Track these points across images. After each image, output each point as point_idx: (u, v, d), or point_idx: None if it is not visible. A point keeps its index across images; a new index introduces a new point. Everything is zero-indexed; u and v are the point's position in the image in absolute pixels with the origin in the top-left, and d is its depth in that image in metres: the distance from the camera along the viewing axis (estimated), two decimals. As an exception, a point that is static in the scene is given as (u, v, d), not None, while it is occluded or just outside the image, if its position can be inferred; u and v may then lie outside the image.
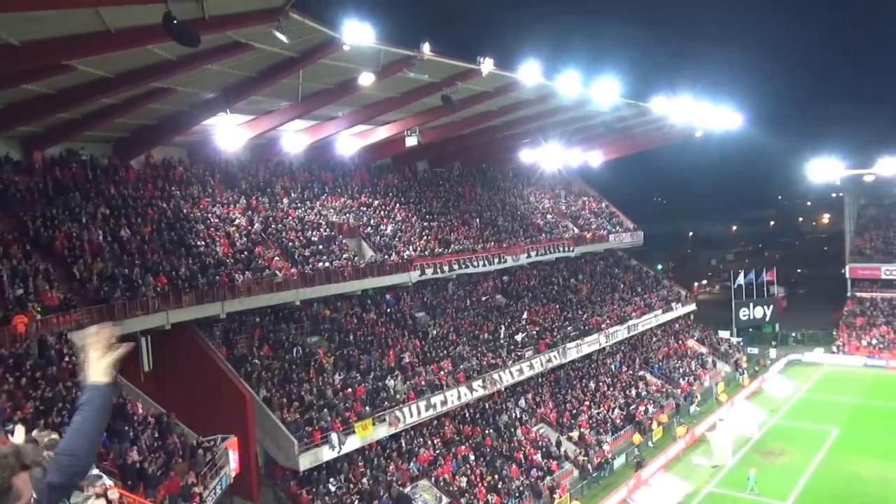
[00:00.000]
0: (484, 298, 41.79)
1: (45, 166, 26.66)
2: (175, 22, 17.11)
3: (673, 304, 53.43)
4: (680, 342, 52.08)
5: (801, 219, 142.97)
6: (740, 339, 57.76)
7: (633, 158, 63.54)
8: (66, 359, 19.91)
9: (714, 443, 35.62)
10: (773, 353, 55.09)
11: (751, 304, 58.92)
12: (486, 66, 29.78)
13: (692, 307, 56.88)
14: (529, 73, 31.98)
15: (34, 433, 11.94)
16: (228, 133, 29.20)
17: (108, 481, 8.47)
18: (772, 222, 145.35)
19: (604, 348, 44.40)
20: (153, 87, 23.78)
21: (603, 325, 44.18)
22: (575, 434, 35.86)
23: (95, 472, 8.32)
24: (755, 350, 56.02)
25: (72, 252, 23.84)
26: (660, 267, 77.16)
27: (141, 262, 25.21)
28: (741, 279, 59.98)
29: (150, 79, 22.81)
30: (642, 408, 40.52)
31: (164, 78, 22.95)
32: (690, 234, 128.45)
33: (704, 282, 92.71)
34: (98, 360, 2.48)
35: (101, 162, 28.69)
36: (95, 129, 26.85)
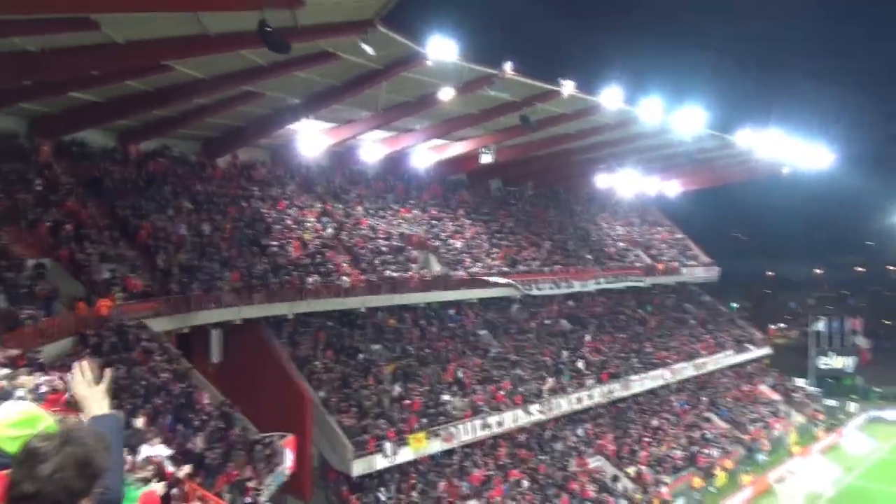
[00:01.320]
0: (548, 322, 41.19)
1: (138, 159, 28.12)
2: (269, 29, 17.79)
3: (746, 346, 51.17)
4: (751, 386, 49.75)
5: (891, 267, 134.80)
6: (818, 389, 54.68)
7: (713, 191, 61.64)
8: (142, 344, 20.75)
9: (782, 495, 33.80)
10: (852, 407, 51.81)
11: (831, 353, 55.80)
12: (567, 88, 29.65)
13: (767, 350, 54.28)
14: (610, 97, 31.63)
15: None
16: (310, 139, 30.09)
17: (163, 455, 8.69)
18: (860, 268, 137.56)
19: (669, 384, 42.90)
20: (243, 90, 24.81)
21: (669, 361, 42.73)
22: (632, 470, 34.68)
23: (142, 456, 8.56)
24: (833, 402, 52.81)
25: (156, 242, 24.99)
26: (735, 305, 74.23)
27: (219, 258, 26.14)
28: (822, 325, 56.97)
29: (241, 82, 23.82)
30: (706, 451, 38.83)
31: (254, 82, 23.92)
32: (770, 273, 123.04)
33: (782, 325, 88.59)
34: (91, 395, 2.46)
35: (189, 158, 30.06)
36: (187, 127, 28.20)
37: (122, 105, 24.54)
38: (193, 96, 24.55)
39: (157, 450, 8.37)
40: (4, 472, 2.23)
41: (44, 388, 9.40)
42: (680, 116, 34.38)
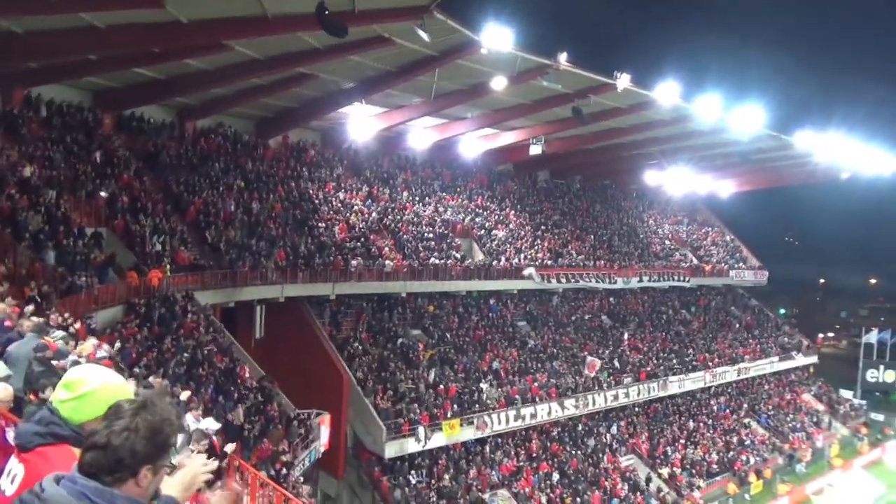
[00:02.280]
0: (588, 317, 40.86)
1: (194, 136, 28.80)
2: (326, 13, 17.96)
3: (792, 353, 49.84)
4: (794, 394, 48.51)
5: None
6: (864, 401, 52.96)
7: (767, 193, 60.03)
8: (189, 316, 21.36)
9: (819, 508, 32.99)
10: (900, 422, 50.10)
11: (881, 367, 53.86)
12: (623, 81, 29.15)
13: (813, 359, 52.77)
14: (666, 92, 30.99)
15: (151, 379, 12.88)
16: (360, 122, 30.32)
17: (213, 429, 8.93)
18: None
19: (709, 388, 42.16)
20: (298, 72, 25.14)
21: (710, 364, 41.95)
22: (665, 471, 34.30)
23: (208, 426, 8.81)
24: (880, 416, 51.07)
25: (206, 218, 25.62)
26: (782, 311, 72.19)
27: (266, 236, 26.68)
28: (874, 337, 54.99)
29: (297, 64, 24.13)
30: (743, 457, 38.12)
31: (309, 64, 24.21)
32: (821, 281, 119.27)
33: (831, 334, 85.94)
34: (189, 488, 2.48)
35: (242, 137, 30.64)
36: (242, 105, 28.78)
37: (182, 82, 25.15)
38: (250, 76, 25.00)
39: (207, 423, 8.62)
40: (65, 445, 2.35)
41: (101, 353, 9.78)
42: (737, 115, 33.47)
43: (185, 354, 19.50)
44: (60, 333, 11.15)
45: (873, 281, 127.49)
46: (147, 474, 1.96)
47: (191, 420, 9.58)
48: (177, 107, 28.42)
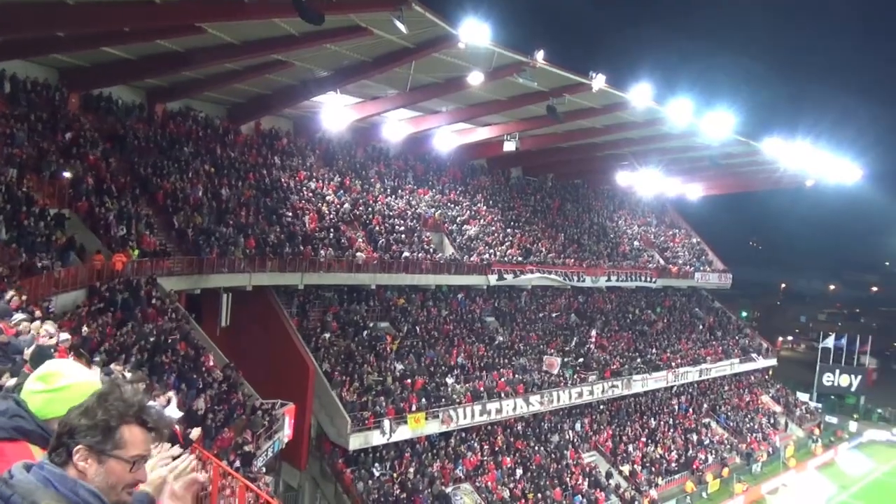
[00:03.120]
0: (555, 315, 41.21)
1: (163, 119, 28.24)
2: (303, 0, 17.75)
3: (752, 355, 50.97)
4: (753, 396, 49.64)
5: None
6: (820, 404, 54.46)
7: (734, 197, 61.20)
8: (153, 302, 20.99)
9: (773, 507, 33.81)
10: (853, 426, 51.59)
11: (837, 371, 55.44)
12: (598, 81, 29.36)
13: (772, 362, 54.07)
14: (640, 94, 31.31)
15: (112, 366, 12.62)
16: (334, 112, 30.04)
17: (176, 417, 8.82)
18: (874, 288, 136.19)
19: (671, 387, 42.90)
20: (273, 58, 24.81)
21: (673, 364, 42.68)
22: (626, 469, 34.84)
23: (169, 414, 8.68)
24: (834, 419, 52.63)
25: (174, 203, 25.17)
26: (744, 314, 73.86)
27: (235, 223, 26.32)
28: (831, 342, 56.57)
29: (272, 50, 23.81)
30: (702, 455, 38.91)
31: (284, 51, 23.91)
32: (783, 285, 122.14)
33: (790, 338, 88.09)
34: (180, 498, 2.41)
35: (213, 122, 30.14)
36: (214, 90, 28.28)
37: (152, 63, 24.62)
38: (223, 60, 24.58)
39: (171, 411, 8.48)
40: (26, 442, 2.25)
41: (61, 337, 9.53)
42: (708, 119, 33.98)
43: (149, 340, 19.16)
44: (20, 316, 10.86)
45: (832, 287, 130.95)
46: (85, 457, 1.87)
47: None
48: (146, 88, 27.85)
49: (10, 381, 5.47)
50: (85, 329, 16.83)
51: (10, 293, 12.67)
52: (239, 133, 31.09)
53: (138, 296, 20.80)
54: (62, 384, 2.30)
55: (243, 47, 23.38)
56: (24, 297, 13.56)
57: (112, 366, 12.79)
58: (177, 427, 10.34)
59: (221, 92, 28.94)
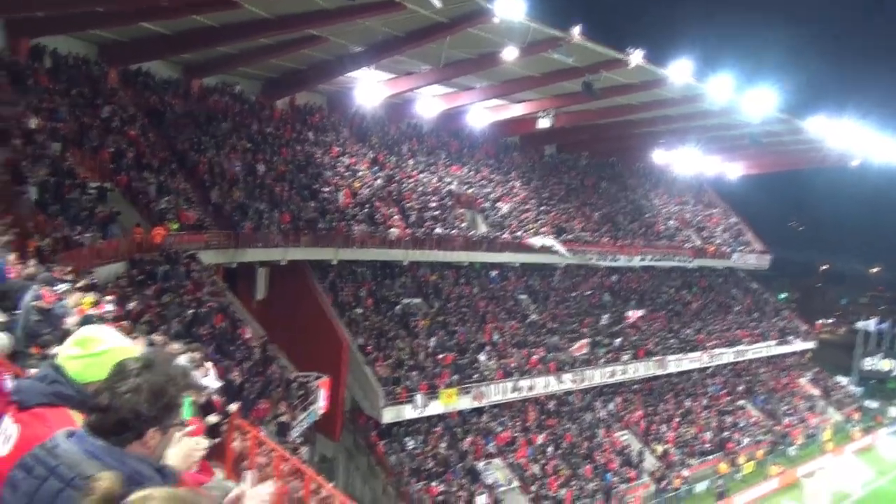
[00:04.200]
0: (588, 293, 40.89)
1: (200, 93, 28.52)
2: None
3: (790, 338, 50.00)
4: (790, 379, 48.78)
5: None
6: (859, 389, 53.28)
7: (775, 177, 59.64)
8: (193, 275, 21.38)
9: (809, 490, 33.30)
10: (894, 411, 50.43)
11: (878, 355, 54.13)
12: (635, 57, 28.79)
13: (811, 344, 52.92)
14: (679, 71, 30.64)
15: (154, 337, 12.90)
16: (368, 88, 30.00)
17: (215, 387, 8.97)
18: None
19: (706, 368, 42.39)
20: (308, 33, 24.81)
21: (708, 345, 42.11)
22: (659, 448, 34.64)
23: (209, 383, 8.83)
24: (874, 404, 51.45)
25: (211, 177, 25.50)
26: (783, 296, 72.34)
27: (270, 198, 26.59)
28: (872, 325, 55.18)
29: (307, 25, 23.80)
30: (736, 437, 38.48)
31: (319, 26, 23.89)
32: (823, 267, 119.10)
33: (830, 320, 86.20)
34: (187, 459, 2.45)
35: (249, 98, 30.35)
36: (250, 65, 28.44)
37: (189, 38, 24.84)
38: (258, 35, 24.68)
39: (209, 381, 8.64)
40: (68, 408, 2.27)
41: (105, 309, 9.77)
42: (750, 97, 33.07)
43: (189, 312, 19.54)
44: (64, 286, 11.15)
45: (875, 269, 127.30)
46: (154, 435, 1.92)
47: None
48: (183, 63, 28.12)
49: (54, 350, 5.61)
50: (132, 304, 17.23)
51: (56, 267, 12.99)
52: (274, 108, 31.26)
53: (177, 268, 21.19)
54: (100, 349, 2.33)
55: (278, 22, 23.41)
56: (68, 269, 13.91)
57: (154, 336, 13.08)
58: (216, 397, 10.54)
59: (256, 67, 29.09)
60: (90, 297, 10.81)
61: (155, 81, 27.21)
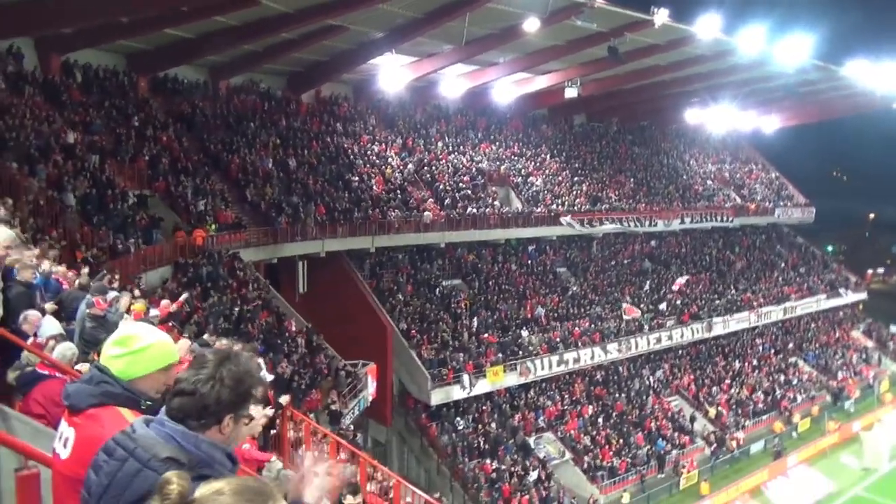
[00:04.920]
0: (628, 262, 40.46)
1: (227, 94, 28.89)
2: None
3: (840, 290, 48.72)
4: (842, 332, 47.66)
5: None
6: (916, 337, 51.73)
7: (814, 127, 57.84)
8: (236, 273, 21.84)
9: (868, 444, 32.70)
10: (953, 357, 48.99)
11: (934, 301, 52.39)
12: (660, 17, 28.10)
13: (862, 296, 51.52)
14: (707, 26, 29.82)
15: (205, 337, 13.24)
16: (392, 73, 29.96)
17: (267, 379, 9.24)
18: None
19: (755, 328, 41.67)
20: (327, 24, 24.81)
21: (756, 304, 41.33)
22: (712, 412, 34.31)
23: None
24: (932, 351, 50.05)
25: (245, 176, 25.90)
26: (830, 248, 70.47)
27: (304, 192, 26.90)
28: (927, 271, 53.35)
29: (326, 16, 23.79)
30: (790, 395, 37.87)
31: (338, 15, 23.86)
32: (871, 216, 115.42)
33: (881, 270, 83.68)
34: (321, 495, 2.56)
35: (275, 94, 30.61)
36: (273, 61, 28.63)
37: (212, 40, 25.07)
38: (279, 30, 24.77)
39: (262, 375, 8.93)
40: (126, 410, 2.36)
41: (152, 312, 10.10)
42: (782, 46, 32.02)
43: (234, 310, 20.00)
44: (114, 294, 11.51)
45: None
46: (229, 422, 2.03)
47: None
48: (208, 65, 28.45)
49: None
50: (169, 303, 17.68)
51: (107, 275, 13.40)
52: (300, 103, 31.47)
53: (219, 269, 21.67)
54: (141, 345, 2.41)
55: (297, 15, 23.45)
56: (116, 276, 14.36)
57: (205, 336, 13.44)
58: (269, 391, 10.81)
59: (280, 62, 29.28)
60: (141, 304, 11.16)
61: (183, 86, 27.62)
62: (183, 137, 25.70)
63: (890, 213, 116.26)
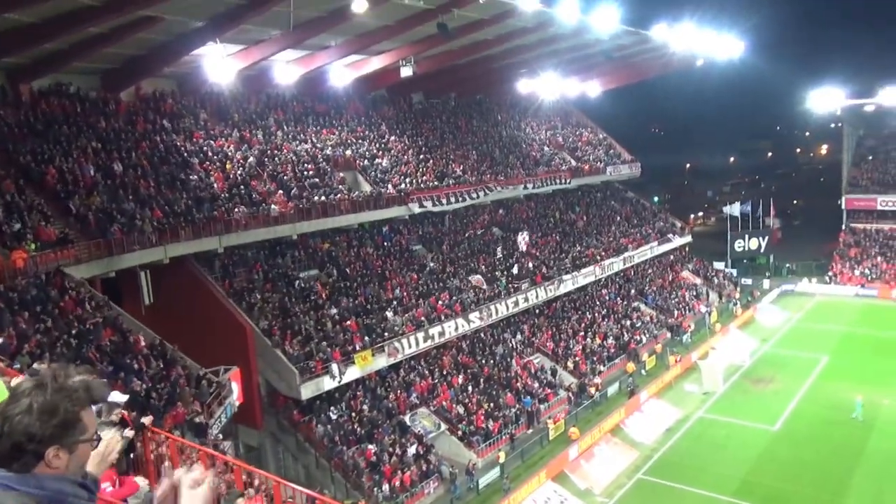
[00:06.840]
0: (480, 231, 41.86)
1: (32, 99, 26.11)
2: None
3: (669, 236, 53.71)
4: (674, 273, 52.62)
5: (798, 150, 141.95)
6: (734, 270, 58.29)
7: (631, 89, 62.44)
8: (70, 293, 20.02)
9: (705, 370, 36.49)
10: (766, 283, 55.77)
11: (746, 236, 59.18)
12: (483, -9, 28.86)
13: (688, 239, 57.17)
14: (528, -1, 31.03)
15: (36, 366, 12.10)
16: (218, 64, 28.45)
17: (121, 401, 8.62)
18: (769, 153, 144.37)
19: (599, 280, 44.87)
20: (140, 15, 23.06)
21: (599, 258, 44.51)
22: (570, 363, 36.65)
23: (114, 399, 8.44)
24: (749, 281, 56.67)
25: (65, 187, 23.66)
26: (656, 199, 77.05)
27: (136, 197, 25.07)
28: (737, 210, 59.99)
29: (136, 6, 22.10)
30: (636, 337, 41.30)
31: (150, 6, 22.24)
32: (688, 165, 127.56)
33: (700, 214, 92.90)
34: (104, 460, 2.39)
35: (89, 95, 28.09)
36: (83, 59, 26.19)
37: (7, 40, 22.47)
38: (85, 25, 22.65)
39: (114, 396, 8.26)
40: None
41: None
42: (596, 15, 34.21)
43: (72, 333, 18.39)
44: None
45: (732, 160, 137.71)
46: (58, 454, 1.84)
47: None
48: (5, 68, 25.49)
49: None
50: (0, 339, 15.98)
51: None
52: (119, 102, 29.12)
53: (48, 290, 19.77)
54: None
55: (105, 7, 21.55)
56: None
57: (36, 365, 12.27)
58: (125, 412, 10.09)
59: (91, 60, 26.82)
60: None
61: (-24, 93, 24.59)
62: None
63: (703, 162, 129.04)
